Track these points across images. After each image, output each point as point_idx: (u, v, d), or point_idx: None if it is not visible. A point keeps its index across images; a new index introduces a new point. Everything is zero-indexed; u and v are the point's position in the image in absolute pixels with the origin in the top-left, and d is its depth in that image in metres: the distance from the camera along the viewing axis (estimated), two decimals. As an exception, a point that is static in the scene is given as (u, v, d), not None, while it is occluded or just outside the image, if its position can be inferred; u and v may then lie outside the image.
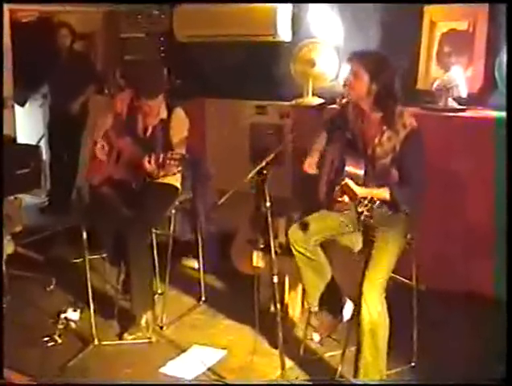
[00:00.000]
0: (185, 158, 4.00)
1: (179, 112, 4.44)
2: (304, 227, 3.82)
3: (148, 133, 4.40)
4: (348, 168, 3.53)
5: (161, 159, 3.98)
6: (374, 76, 3.50)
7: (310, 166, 3.84)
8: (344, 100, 3.62)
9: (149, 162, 4.06)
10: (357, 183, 3.42)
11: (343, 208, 3.54)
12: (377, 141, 3.55)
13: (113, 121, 4.47)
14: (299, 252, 3.80)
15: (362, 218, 3.30)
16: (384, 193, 3.46)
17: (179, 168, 4.09)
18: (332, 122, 3.85)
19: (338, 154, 3.70)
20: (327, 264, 3.88)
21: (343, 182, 3.36)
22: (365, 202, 3.25)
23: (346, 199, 3.34)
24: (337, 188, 3.40)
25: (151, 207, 4.26)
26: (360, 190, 3.35)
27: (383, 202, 3.50)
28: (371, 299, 3.41)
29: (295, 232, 3.83)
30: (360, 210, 3.26)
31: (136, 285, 4.24)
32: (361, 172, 3.54)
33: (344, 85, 3.60)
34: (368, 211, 3.25)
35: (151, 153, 4.06)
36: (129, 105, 4.42)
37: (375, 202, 3.26)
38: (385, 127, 3.53)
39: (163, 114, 4.38)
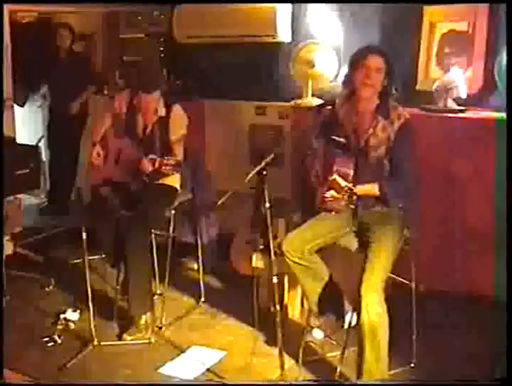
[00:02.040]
0: (180, 163, 4.02)
1: (177, 110, 4.45)
2: (301, 233, 3.80)
3: (147, 132, 4.40)
4: (337, 167, 3.57)
5: (157, 164, 4.00)
6: (389, 69, 3.57)
7: (315, 176, 3.85)
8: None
9: (145, 165, 4.09)
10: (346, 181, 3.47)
11: (333, 205, 3.55)
12: (371, 131, 3.59)
13: (112, 121, 4.48)
14: (294, 261, 3.74)
15: (342, 203, 3.37)
16: (373, 189, 3.50)
17: (175, 173, 4.12)
18: (322, 127, 3.86)
19: (329, 156, 3.72)
20: (324, 268, 3.84)
21: (331, 178, 3.40)
22: (346, 188, 3.32)
23: (334, 193, 3.38)
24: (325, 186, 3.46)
25: (150, 208, 4.26)
26: (346, 183, 3.41)
27: (374, 198, 3.55)
28: (371, 301, 3.39)
29: (287, 242, 3.76)
30: (340, 196, 3.31)
31: (135, 286, 4.23)
32: (350, 171, 3.58)
33: (364, 84, 3.58)
34: (349, 196, 3.31)
35: (148, 157, 4.09)
36: (128, 105, 4.43)
37: (354, 190, 3.33)
38: (380, 117, 3.56)
39: (162, 112, 4.39)
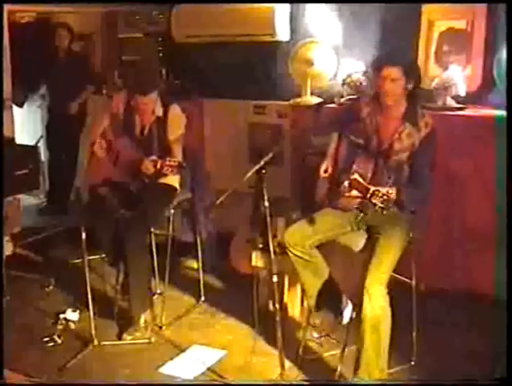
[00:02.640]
0: (182, 165, 4.02)
1: (175, 109, 4.44)
2: (303, 227, 3.81)
3: (145, 133, 4.40)
4: (356, 168, 3.56)
5: (158, 165, 4.01)
6: (409, 78, 3.52)
7: (325, 172, 3.84)
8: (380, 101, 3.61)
9: (146, 167, 4.09)
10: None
11: (350, 204, 3.53)
12: (396, 136, 3.57)
13: (111, 121, 4.47)
14: (296, 255, 3.77)
15: (377, 208, 3.28)
16: (391, 193, 3.48)
17: (176, 175, 4.11)
18: (342, 121, 3.87)
19: (345, 154, 3.71)
20: (324, 264, 3.86)
21: (352, 177, 3.38)
22: (380, 194, 3.25)
23: (355, 193, 3.37)
24: (345, 184, 3.43)
25: (149, 207, 4.26)
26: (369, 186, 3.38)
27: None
28: (375, 294, 3.40)
29: (290, 234, 3.80)
30: (374, 201, 3.26)
31: (134, 286, 4.23)
32: (368, 173, 3.57)
33: (384, 94, 3.56)
34: (382, 202, 3.24)
35: (148, 158, 4.09)
36: (126, 105, 4.42)
37: (390, 195, 3.25)
38: (407, 123, 3.55)
39: (159, 112, 4.38)
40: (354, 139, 3.70)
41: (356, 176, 3.42)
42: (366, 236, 3.77)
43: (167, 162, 4.00)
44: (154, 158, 4.11)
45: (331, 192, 3.71)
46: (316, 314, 4.02)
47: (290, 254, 3.78)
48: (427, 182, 3.56)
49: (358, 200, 3.51)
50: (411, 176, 3.58)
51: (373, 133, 3.66)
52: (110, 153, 4.41)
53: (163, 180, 4.37)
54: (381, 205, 3.25)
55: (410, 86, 3.55)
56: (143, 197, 4.30)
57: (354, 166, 3.57)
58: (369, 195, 3.28)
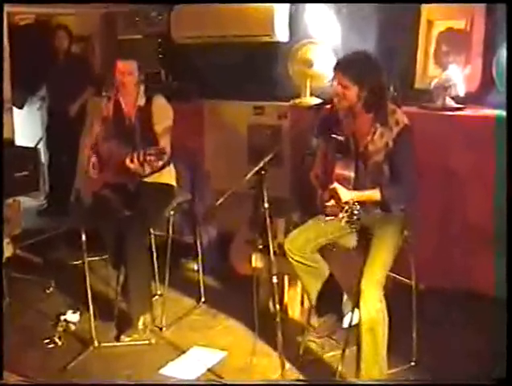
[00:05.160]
0: (163, 151, 3.98)
1: (158, 99, 4.43)
2: (303, 233, 3.81)
3: (130, 123, 4.38)
4: (338, 171, 3.55)
5: (141, 157, 3.96)
6: (362, 82, 3.47)
7: (315, 176, 3.84)
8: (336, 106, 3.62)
9: (131, 160, 4.02)
10: (347, 186, 3.45)
11: (333, 212, 3.51)
12: (369, 138, 3.56)
13: (102, 126, 4.46)
14: (297, 261, 3.77)
15: (343, 223, 3.29)
16: (375, 194, 3.49)
17: (160, 163, 4.06)
18: (321, 126, 3.85)
19: (329, 158, 3.71)
20: (325, 266, 3.87)
21: (331, 186, 3.38)
22: (346, 207, 3.24)
23: (334, 203, 3.36)
24: (326, 192, 3.44)
25: (148, 207, 4.25)
26: (347, 194, 3.36)
27: (375, 203, 3.53)
28: (369, 296, 3.40)
29: (290, 241, 3.79)
30: (341, 216, 3.26)
31: (134, 287, 4.23)
32: (351, 174, 3.56)
33: (335, 97, 3.57)
34: (348, 217, 3.25)
35: (133, 152, 4.03)
36: (114, 102, 4.43)
37: (355, 208, 3.24)
38: (378, 124, 3.54)
39: (141, 102, 4.37)
40: (336, 137, 3.69)
41: (335, 185, 3.41)
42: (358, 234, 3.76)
43: (148, 151, 3.95)
44: (138, 147, 4.07)
45: (322, 198, 3.68)
46: (316, 312, 4.01)
47: (291, 260, 3.78)
48: (409, 179, 3.52)
49: (337, 209, 3.46)
50: (391, 176, 3.57)
51: (350, 135, 3.66)
52: (104, 157, 4.39)
53: (157, 179, 4.36)
54: (348, 219, 3.25)
55: (364, 92, 3.48)
56: (141, 197, 4.29)
57: (336, 170, 3.56)
58: (340, 208, 3.29)
